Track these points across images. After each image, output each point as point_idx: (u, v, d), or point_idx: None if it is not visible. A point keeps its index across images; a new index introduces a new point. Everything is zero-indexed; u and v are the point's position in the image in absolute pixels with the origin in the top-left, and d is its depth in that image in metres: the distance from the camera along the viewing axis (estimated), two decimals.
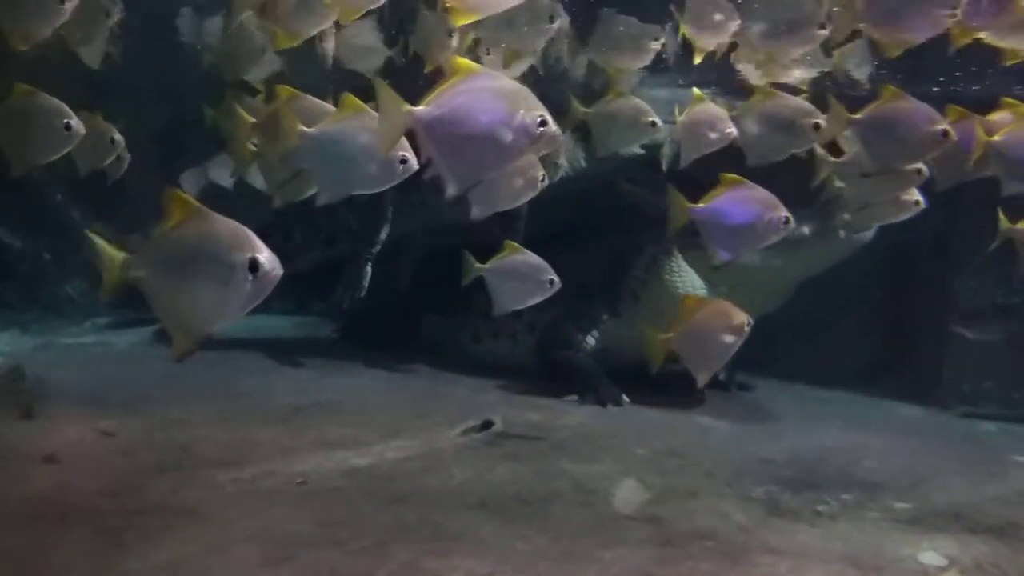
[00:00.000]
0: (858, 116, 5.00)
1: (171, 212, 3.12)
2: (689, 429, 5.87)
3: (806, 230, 6.07)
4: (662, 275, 6.37)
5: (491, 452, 5.14)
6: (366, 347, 7.40)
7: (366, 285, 6.87)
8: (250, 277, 3.07)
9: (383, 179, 3.80)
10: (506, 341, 7.04)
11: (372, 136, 3.71)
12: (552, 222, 6.50)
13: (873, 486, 4.90)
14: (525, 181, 4.67)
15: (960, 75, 6.30)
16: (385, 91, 3.53)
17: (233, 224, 3.11)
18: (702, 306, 5.03)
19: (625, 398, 6.28)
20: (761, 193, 4.87)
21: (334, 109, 4.20)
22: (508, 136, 3.42)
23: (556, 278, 5.12)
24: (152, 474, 4.54)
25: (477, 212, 4.64)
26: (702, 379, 4.99)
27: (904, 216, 5.71)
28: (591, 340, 6.63)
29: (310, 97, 4.42)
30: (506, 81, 3.56)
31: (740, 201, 4.84)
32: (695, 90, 5.36)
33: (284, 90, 4.46)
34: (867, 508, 4.62)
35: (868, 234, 6.17)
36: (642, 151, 6.48)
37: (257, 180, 5.95)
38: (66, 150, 4.42)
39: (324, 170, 4.00)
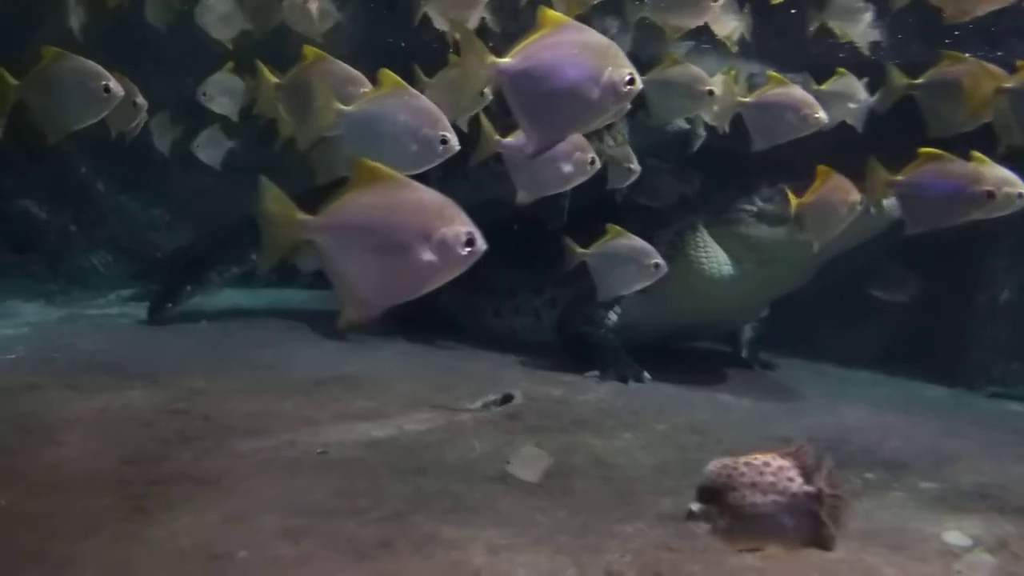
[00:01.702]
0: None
1: (359, 179, 2.92)
2: (710, 406, 5.83)
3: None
4: (687, 250, 6.30)
5: (511, 426, 5.12)
6: (386, 322, 7.38)
7: None
8: (464, 252, 2.89)
9: (424, 159, 3.70)
10: (528, 317, 7.01)
11: (413, 114, 3.63)
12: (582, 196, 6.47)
13: (897, 465, 4.85)
14: (574, 165, 4.43)
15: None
16: (470, 41, 3.36)
17: (438, 195, 2.93)
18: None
19: (646, 374, 6.24)
20: (962, 167, 4.57)
21: (358, 74, 4.14)
22: (595, 93, 3.24)
23: (662, 261, 4.99)
24: (175, 443, 4.56)
25: (523, 197, 4.54)
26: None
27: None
28: (613, 316, 6.59)
29: (337, 61, 4.27)
30: (595, 35, 3.33)
31: (941, 174, 4.61)
32: (771, 72, 5.20)
33: (310, 51, 4.29)
34: (891, 487, 4.57)
35: (898, 210, 6.07)
36: (687, 125, 6.39)
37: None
38: (104, 113, 4.31)
39: (362, 150, 3.78)
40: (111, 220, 8.67)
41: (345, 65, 4.23)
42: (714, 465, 2.55)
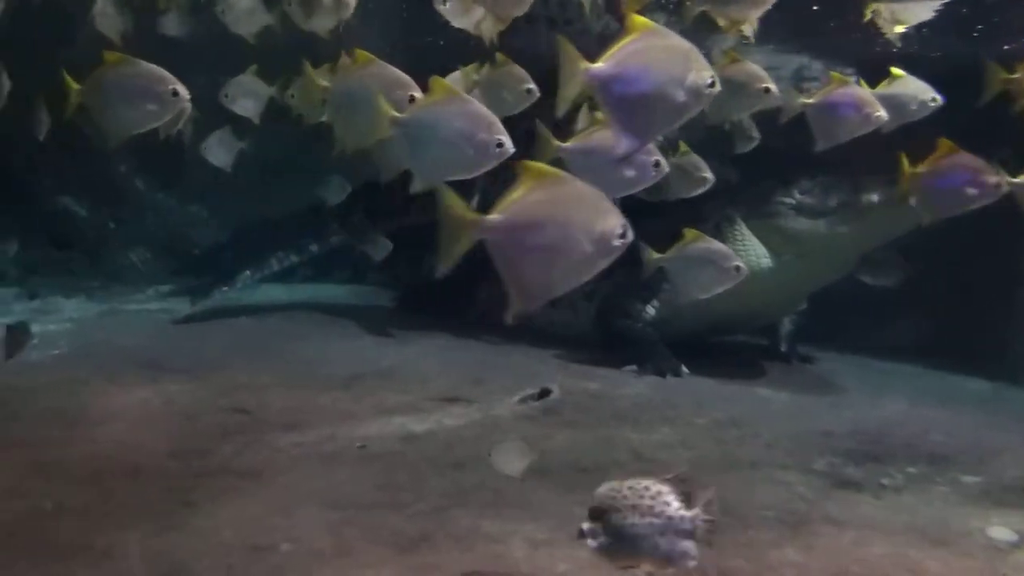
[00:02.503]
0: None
1: (526, 178, 3.08)
2: (749, 400, 5.81)
3: (875, 197, 5.93)
4: (725, 244, 6.26)
5: (549, 420, 5.13)
6: (423, 316, 7.42)
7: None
8: (618, 243, 3.04)
9: (480, 163, 3.70)
10: (565, 310, 6.99)
11: (467, 119, 3.66)
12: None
13: (940, 459, 4.80)
14: (638, 170, 4.30)
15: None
16: (567, 48, 3.49)
17: (594, 191, 3.10)
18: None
19: (684, 368, 6.22)
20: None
21: (406, 77, 4.12)
22: (681, 96, 3.38)
23: (742, 265, 4.96)
24: (217, 437, 4.60)
25: None
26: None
27: None
28: (651, 310, 6.57)
29: (385, 64, 4.22)
30: (679, 40, 3.47)
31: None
32: (833, 73, 5.15)
33: (361, 55, 4.24)
34: (933, 481, 4.53)
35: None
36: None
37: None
38: (168, 118, 4.28)
39: (418, 156, 3.85)
40: (149, 217, 8.78)
41: (393, 68, 4.20)
42: (603, 488, 2.72)
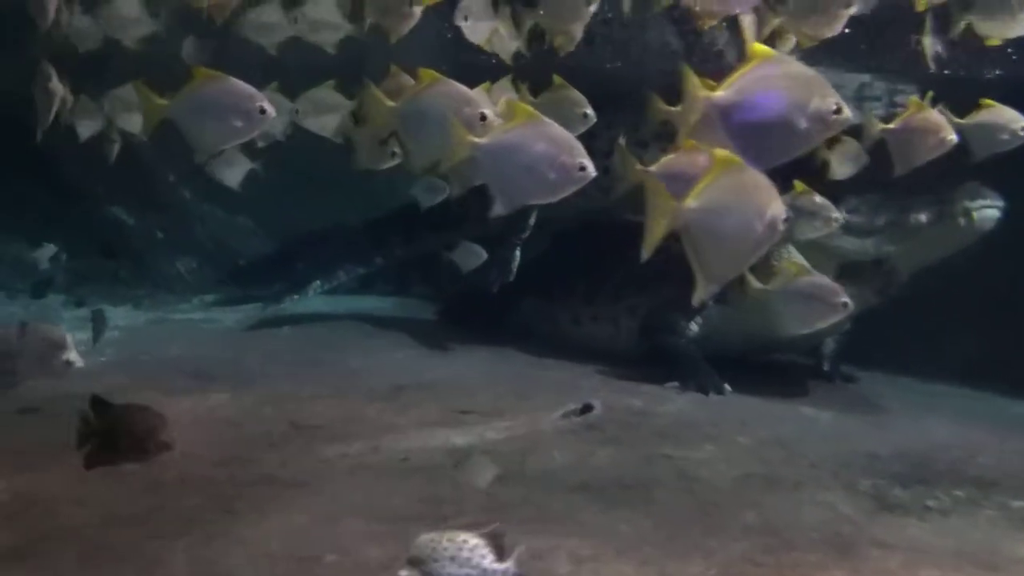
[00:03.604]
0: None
1: (716, 168, 3.30)
2: (793, 419, 5.76)
3: (923, 217, 5.88)
4: (770, 261, 6.23)
5: (592, 436, 5.12)
6: (465, 329, 7.44)
7: (515, 268, 6.95)
8: (781, 228, 3.34)
9: (561, 187, 3.70)
10: (607, 325, 6.99)
11: (549, 143, 3.65)
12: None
13: (987, 483, 4.74)
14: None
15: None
16: (690, 76, 3.53)
17: (766, 180, 3.36)
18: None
19: (727, 386, 6.18)
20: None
21: (475, 94, 4.10)
22: (803, 123, 3.38)
23: (849, 301, 4.88)
24: (262, 447, 4.65)
25: None
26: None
27: None
28: (695, 326, 6.55)
29: (454, 82, 4.17)
30: (800, 67, 3.51)
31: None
32: (912, 97, 5.10)
33: (427, 74, 4.19)
34: (981, 505, 4.47)
35: (989, 222, 5.93)
36: None
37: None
38: (256, 133, 4.32)
39: (499, 180, 3.86)
40: (196, 227, 8.89)
41: (461, 86, 4.17)
42: (423, 538, 2.97)
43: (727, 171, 3.30)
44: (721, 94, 3.43)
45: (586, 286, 7.08)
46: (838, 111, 3.38)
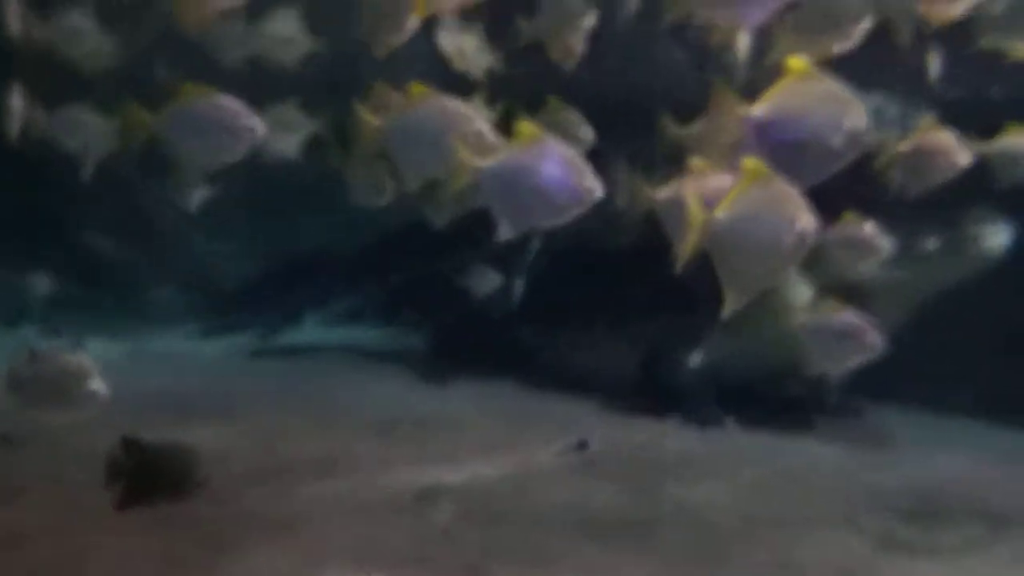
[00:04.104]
0: None
1: (745, 178, 3.23)
2: (798, 454, 5.58)
3: (932, 243, 5.76)
4: (776, 288, 6.08)
5: (590, 472, 4.96)
6: (459, 359, 7.26)
7: (519, 295, 6.80)
8: (809, 240, 3.25)
9: (570, 209, 3.55)
10: (607, 354, 6.82)
11: (556, 165, 3.52)
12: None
13: (1001, 520, 4.57)
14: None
15: None
16: (723, 91, 3.43)
17: (794, 191, 3.26)
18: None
19: (730, 419, 6.00)
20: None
21: (470, 109, 3.89)
22: (838, 142, 3.30)
23: (879, 340, 4.67)
24: (249, 482, 4.47)
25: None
26: None
27: None
28: (697, 357, 6.38)
29: (446, 96, 3.96)
30: (835, 84, 3.41)
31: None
32: (926, 117, 5.00)
33: (418, 89, 3.93)
34: (993, 542, 4.32)
35: (998, 249, 5.81)
36: None
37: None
38: (244, 152, 4.06)
39: (504, 204, 3.67)
40: (179, 254, 8.65)
41: (456, 101, 3.97)
42: None
43: (757, 182, 3.20)
44: (760, 111, 3.33)
45: (586, 313, 6.91)
46: (868, 130, 3.32)
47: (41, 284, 7.71)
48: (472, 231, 6.77)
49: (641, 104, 4.95)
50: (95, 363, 3.88)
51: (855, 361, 4.68)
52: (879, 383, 6.60)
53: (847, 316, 4.66)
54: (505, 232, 3.68)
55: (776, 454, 5.51)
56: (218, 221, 8.49)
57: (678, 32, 5.92)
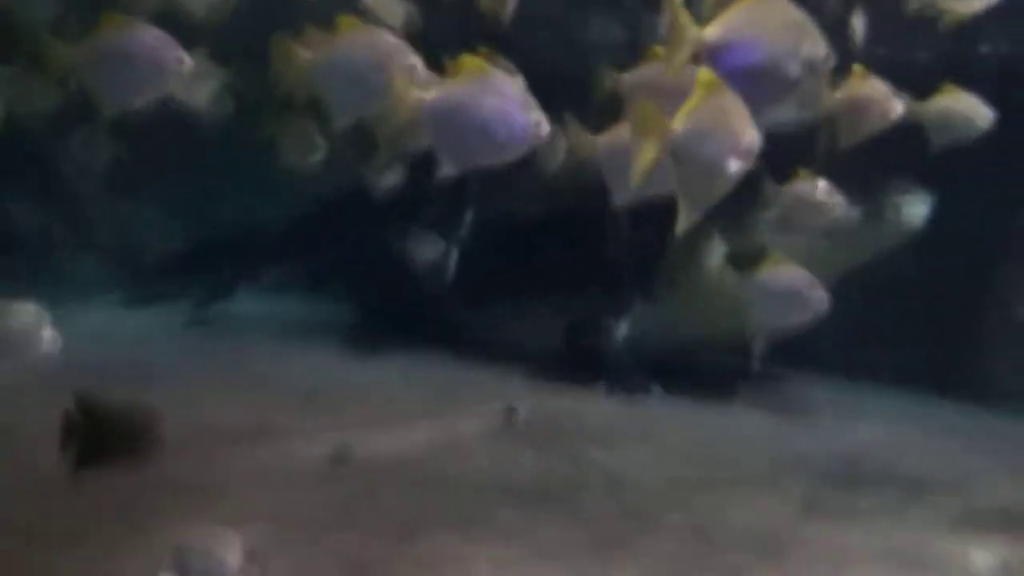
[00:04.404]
0: None
1: (699, 89, 3.06)
2: (723, 421, 5.66)
3: (855, 212, 5.80)
4: (700, 259, 6.12)
5: (516, 439, 4.95)
6: (386, 331, 7.20)
7: (454, 268, 6.71)
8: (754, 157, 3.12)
9: (515, 147, 3.38)
10: (533, 325, 6.81)
11: (503, 99, 3.31)
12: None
13: (916, 483, 4.69)
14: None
15: None
16: (676, 10, 3.21)
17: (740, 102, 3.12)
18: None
19: (657, 387, 6.04)
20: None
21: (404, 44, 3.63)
22: (795, 70, 3.18)
23: (826, 295, 4.60)
24: (168, 451, 4.36)
25: (620, 199, 4.22)
26: None
27: None
28: (623, 327, 6.40)
29: (379, 29, 3.72)
30: (793, 8, 3.26)
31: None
32: (856, 66, 4.94)
33: (347, 23, 3.68)
34: (910, 505, 4.41)
35: (919, 220, 5.90)
36: None
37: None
38: (170, 87, 3.80)
39: (447, 141, 3.46)
40: (99, 222, 8.42)
41: (388, 34, 3.73)
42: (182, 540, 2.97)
43: (711, 93, 3.05)
44: (711, 31, 3.17)
45: (512, 285, 6.89)
46: (826, 59, 3.21)
47: None
48: (404, 203, 6.76)
49: (577, 72, 4.85)
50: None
51: (800, 320, 4.68)
52: (800, 352, 6.73)
53: (792, 271, 4.66)
54: (447, 170, 3.58)
55: (701, 420, 5.57)
56: (141, 189, 8.29)
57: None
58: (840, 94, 4.60)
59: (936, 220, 5.93)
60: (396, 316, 7.20)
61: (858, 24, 5.35)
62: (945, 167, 5.40)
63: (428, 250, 6.47)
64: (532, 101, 3.31)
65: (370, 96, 3.58)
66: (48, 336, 3.80)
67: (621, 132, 3.65)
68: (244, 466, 4.29)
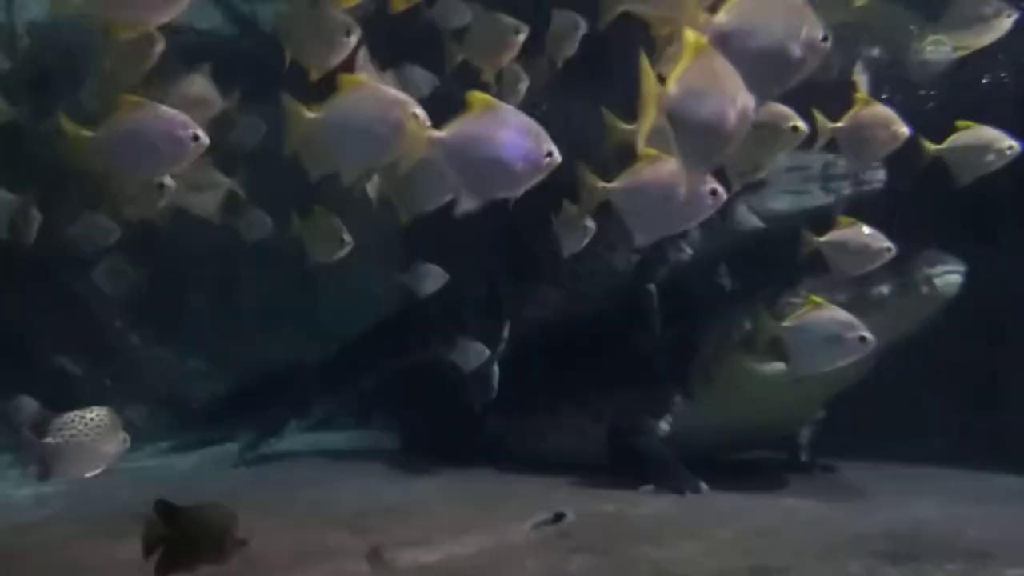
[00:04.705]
0: None
1: (687, 52, 3.24)
2: (774, 510, 5.53)
3: (885, 289, 5.77)
4: (734, 350, 6.09)
5: (565, 544, 4.88)
6: (429, 455, 7.20)
7: (496, 383, 6.73)
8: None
9: (529, 176, 3.47)
10: (572, 435, 6.77)
11: (513, 132, 3.44)
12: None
13: (979, 554, 4.53)
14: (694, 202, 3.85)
15: None
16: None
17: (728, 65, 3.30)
18: None
19: (703, 484, 5.95)
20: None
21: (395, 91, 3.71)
22: (797, 51, 3.32)
23: (869, 335, 4.63)
24: None
25: (640, 240, 4.22)
26: None
27: None
28: (664, 425, 6.34)
29: (379, 85, 3.79)
30: None
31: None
32: (859, 92, 4.93)
33: (348, 80, 3.74)
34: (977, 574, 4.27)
35: (952, 288, 5.83)
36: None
37: None
38: (186, 164, 3.95)
39: (463, 175, 3.53)
40: (146, 373, 8.63)
41: (389, 88, 3.77)
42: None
43: (701, 56, 3.21)
44: (723, 19, 3.34)
45: (549, 396, 6.89)
46: (825, 39, 3.35)
47: (29, 407, 7.56)
48: (443, 319, 6.85)
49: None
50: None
51: (841, 361, 4.64)
52: (848, 441, 6.64)
53: (831, 313, 4.62)
54: (467, 205, 3.63)
55: (752, 511, 5.45)
56: (188, 338, 8.50)
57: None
58: (845, 121, 4.68)
59: (971, 288, 5.87)
60: (438, 436, 7.22)
61: (862, 81, 5.45)
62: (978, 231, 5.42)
63: (474, 359, 6.48)
64: (541, 132, 3.43)
65: (379, 147, 3.66)
66: (121, 438, 4.11)
67: (635, 174, 3.74)
68: None
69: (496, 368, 6.78)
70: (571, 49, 5.10)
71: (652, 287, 6.68)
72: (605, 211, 4.98)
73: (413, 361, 7.29)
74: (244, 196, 5.78)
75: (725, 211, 6.39)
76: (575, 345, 6.42)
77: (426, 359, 7.12)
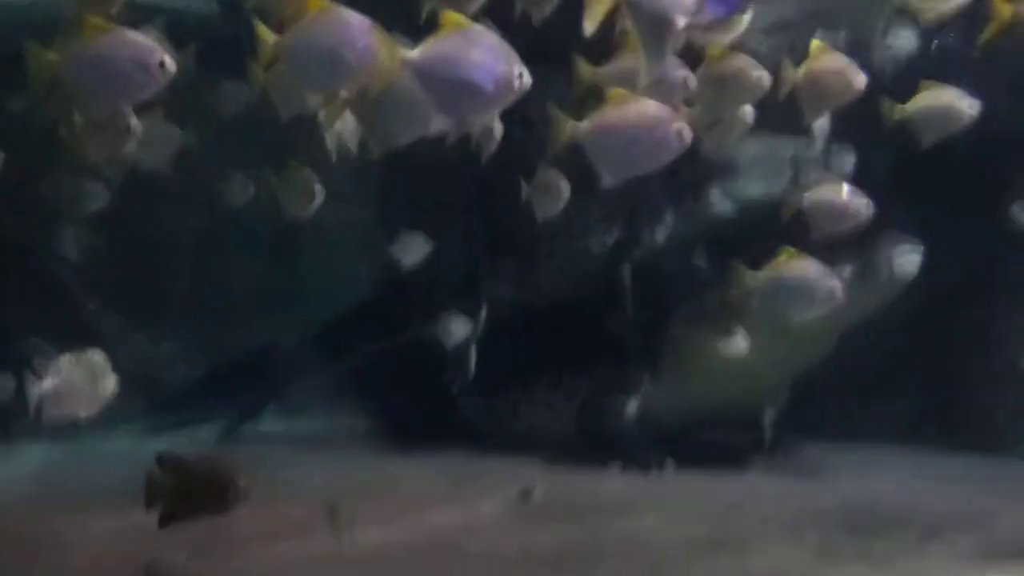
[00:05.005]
0: None
1: None
2: (738, 487, 5.70)
3: (845, 271, 5.90)
4: (703, 331, 6.22)
5: (533, 515, 5.01)
6: (404, 436, 7.28)
7: (473, 365, 6.80)
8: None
9: (501, 99, 3.40)
10: (544, 412, 6.88)
11: (486, 52, 3.35)
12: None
13: (933, 525, 4.71)
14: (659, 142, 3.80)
15: None
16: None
17: None
18: None
19: (670, 461, 6.09)
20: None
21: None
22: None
23: (839, 286, 4.67)
24: (195, 554, 4.45)
25: (608, 181, 4.18)
26: None
27: None
28: (633, 405, 6.47)
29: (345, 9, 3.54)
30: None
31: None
32: (815, 41, 4.83)
33: (315, 3, 3.48)
34: (928, 544, 4.44)
35: (912, 270, 6.00)
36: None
37: None
38: (153, 92, 3.76)
39: (436, 96, 3.44)
40: (120, 355, 8.59)
41: (354, 13, 3.52)
42: None
43: None
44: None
45: (523, 373, 6.99)
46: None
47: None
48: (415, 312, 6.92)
49: None
50: None
51: (816, 311, 4.70)
52: (809, 420, 6.78)
53: (803, 266, 4.69)
54: (441, 124, 3.69)
55: (715, 487, 5.62)
56: (164, 322, 8.50)
57: None
58: (801, 70, 4.66)
59: (929, 270, 6.02)
60: (414, 415, 7.30)
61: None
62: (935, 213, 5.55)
63: (457, 333, 6.52)
64: (514, 54, 3.37)
65: (349, 69, 3.50)
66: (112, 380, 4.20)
67: (603, 116, 3.79)
68: (267, 561, 4.34)
69: (473, 351, 6.86)
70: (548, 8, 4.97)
71: (626, 269, 6.77)
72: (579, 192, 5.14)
73: (394, 343, 7.35)
74: (196, 149, 5.72)
75: (699, 195, 6.58)
76: (549, 325, 6.52)
77: (406, 340, 7.18)
